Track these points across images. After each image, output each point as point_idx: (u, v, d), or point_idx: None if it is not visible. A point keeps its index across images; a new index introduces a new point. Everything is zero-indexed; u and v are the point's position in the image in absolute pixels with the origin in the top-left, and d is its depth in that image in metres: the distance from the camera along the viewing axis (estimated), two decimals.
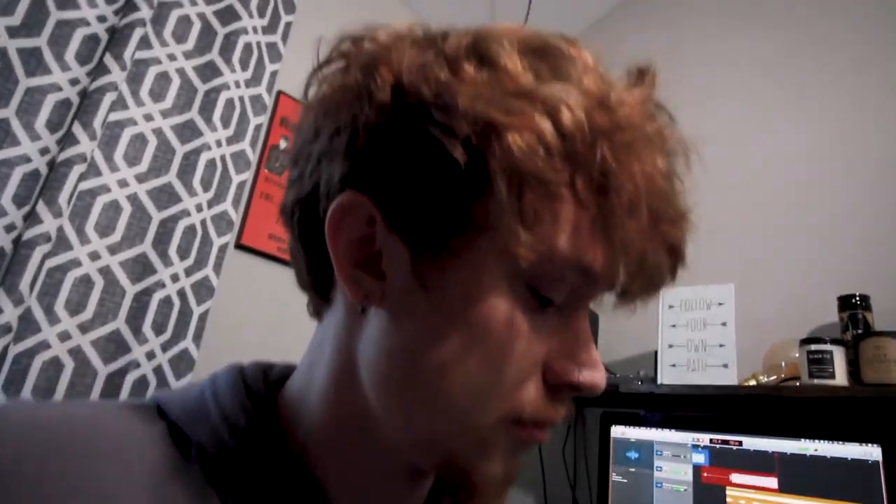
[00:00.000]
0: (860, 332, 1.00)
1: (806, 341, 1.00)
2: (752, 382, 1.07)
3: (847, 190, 1.26)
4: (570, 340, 0.32)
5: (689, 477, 1.10)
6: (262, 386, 0.39)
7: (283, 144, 1.60)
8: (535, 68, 0.30)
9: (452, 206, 0.29)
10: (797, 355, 1.03)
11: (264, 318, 1.49)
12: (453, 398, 0.30)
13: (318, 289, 0.38)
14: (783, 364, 1.07)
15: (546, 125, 0.28)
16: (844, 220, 1.23)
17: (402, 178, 0.30)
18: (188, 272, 1.29)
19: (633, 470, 1.18)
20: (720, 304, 1.14)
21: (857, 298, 1.03)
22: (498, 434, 0.32)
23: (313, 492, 0.34)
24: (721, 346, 1.11)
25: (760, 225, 1.37)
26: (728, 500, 1.05)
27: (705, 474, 1.09)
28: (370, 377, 0.33)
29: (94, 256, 1.18)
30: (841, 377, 0.95)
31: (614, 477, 1.20)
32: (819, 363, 0.96)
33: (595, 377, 0.32)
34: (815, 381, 0.96)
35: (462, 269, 0.30)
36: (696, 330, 1.15)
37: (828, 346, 0.96)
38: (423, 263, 0.31)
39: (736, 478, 1.05)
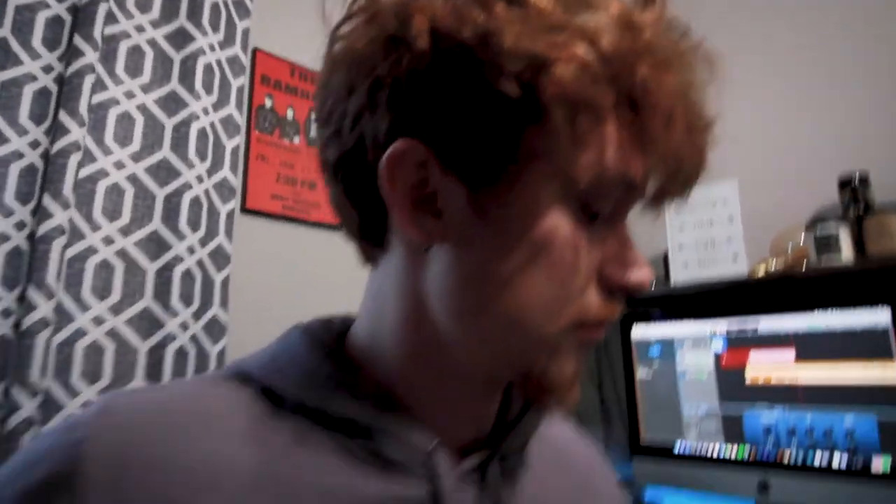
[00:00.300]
0: (862, 210, 1.03)
1: (812, 224, 1.04)
2: (762, 270, 1.12)
3: (840, 69, 1.26)
4: (617, 247, 0.35)
5: (711, 364, 1.17)
6: (329, 339, 0.42)
7: (268, 103, 1.57)
8: (562, 1, 0.32)
9: (505, 139, 0.31)
10: (803, 239, 1.07)
11: (281, 277, 1.52)
12: (525, 314, 0.34)
13: (371, 237, 0.40)
14: (789, 249, 1.12)
15: (589, 53, 0.30)
16: (839, 99, 1.25)
17: (451, 119, 0.32)
18: (202, 243, 1.30)
19: (656, 366, 1.25)
20: (724, 200, 1.17)
21: (857, 179, 1.06)
22: (566, 339, 0.35)
23: (405, 419, 0.38)
24: (729, 240, 1.15)
25: (757, 115, 1.39)
26: (748, 379, 1.13)
27: (725, 359, 1.16)
28: (442, 310, 0.36)
29: (108, 241, 1.19)
30: (847, 254, 0.99)
31: (640, 374, 1.27)
32: (825, 243, 1.00)
33: (643, 276, 0.35)
34: (823, 260, 1.01)
35: (519, 196, 0.33)
36: (703, 228, 1.19)
37: (833, 227, 1.00)
38: (479, 196, 0.33)
39: (754, 356, 1.12)
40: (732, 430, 1.14)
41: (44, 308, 1.03)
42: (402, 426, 0.37)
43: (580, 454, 0.52)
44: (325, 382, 0.38)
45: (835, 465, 1.01)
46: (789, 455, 1.06)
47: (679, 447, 1.21)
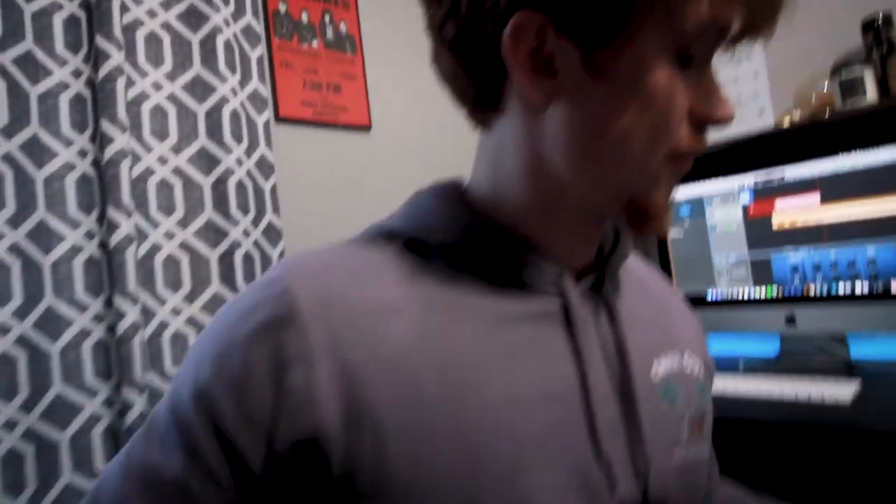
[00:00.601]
0: (886, 51, 1.06)
1: (836, 69, 1.07)
2: (787, 122, 1.17)
3: None
4: (705, 87, 0.42)
5: (739, 216, 1.25)
6: (454, 195, 0.50)
7: (282, 8, 1.56)
8: None
9: (617, 1, 0.37)
10: (827, 86, 1.11)
11: (319, 181, 1.59)
12: (633, 152, 0.41)
13: (486, 103, 0.46)
14: (814, 97, 1.16)
15: None
16: None
17: None
18: (248, 153, 1.36)
19: (687, 224, 1.34)
20: (749, 56, 1.20)
21: (881, 19, 1.08)
22: (664, 169, 0.42)
23: (535, 252, 0.46)
24: (755, 95, 1.19)
25: None
26: (774, 226, 1.22)
27: (752, 210, 1.24)
28: (560, 160, 0.43)
29: (163, 161, 1.26)
30: (871, 95, 1.04)
31: (672, 234, 1.37)
32: (850, 86, 1.04)
33: (729, 110, 0.42)
34: (848, 104, 1.05)
35: (628, 53, 0.38)
36: (728, 86, 1.23)
37: (857, 70, 1.04)
38: (592, 56, 0.39)
39: (780, 204, 1.20)
40: (761, 273, 1.24)
41: (125, 226, 1.12)
42: (534, 257, 0.46)
43: (656, 283, 0.61)
44: (464, 228, 0.46)
45: (857, 291, 1.12)
46: (814, 288, 1.17)
47: (711, 295, 1.33)
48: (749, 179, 1.24)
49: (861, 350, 1.23)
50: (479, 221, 0.46)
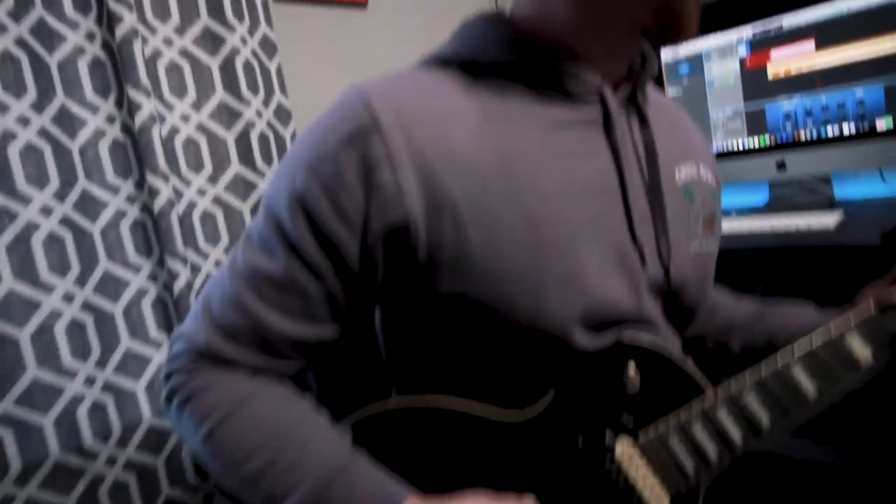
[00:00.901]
0: None
1: None
2: None
3: None
4: None
5: (737, 69, 1.30)
6: (501, 20, 0.55)
7: None
8: None
9: None
10: None
11: (319, 61, 1.59)
12: None
13: None
14: None
15: None
16: None
17: None
18: (251, 32, 1.36)
19: (686, 82, 1.39)
20: None
21: None
22: None
23: (579, 63, 0.52)
24: None
25: None
26: (769, 76, 1.27)
27: (749, 62, 1.29)
28: None
29: (168, 42, 1.26)
30: None
31: (670, 93, 1.41)
32: None
33: None
34: None
35: None
36: None
37: None
38: None
39: (775, 54, 1.24)
40: (755, 123, 1.31)
41: (147, 106, 1.15)
42: (578, 68, 0.52)
43: (674, 106, 0.68)
44: (514, 46, 0.52)
45: (845, 132, 1.20)
46: (805, 134, 1.25)
47: None
48: (747, 31, 1.27)
49: (844, 189, 1.34)
50: (527, 39, 0.52)
